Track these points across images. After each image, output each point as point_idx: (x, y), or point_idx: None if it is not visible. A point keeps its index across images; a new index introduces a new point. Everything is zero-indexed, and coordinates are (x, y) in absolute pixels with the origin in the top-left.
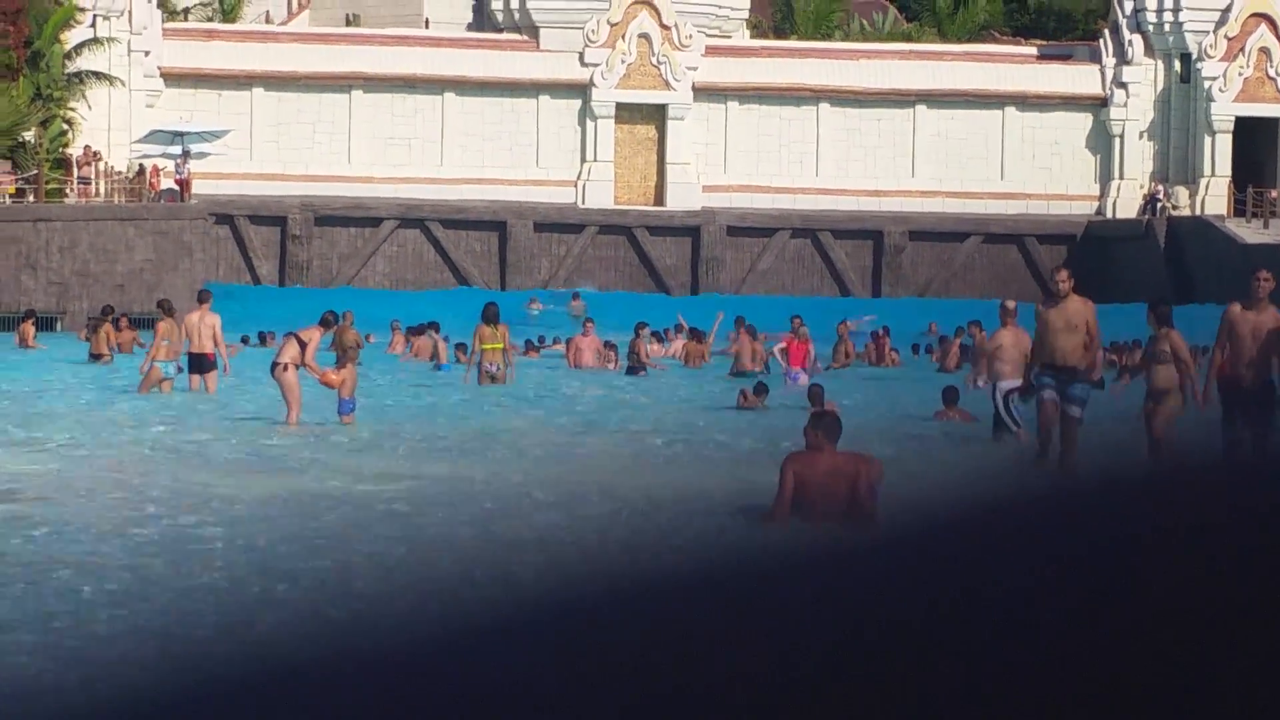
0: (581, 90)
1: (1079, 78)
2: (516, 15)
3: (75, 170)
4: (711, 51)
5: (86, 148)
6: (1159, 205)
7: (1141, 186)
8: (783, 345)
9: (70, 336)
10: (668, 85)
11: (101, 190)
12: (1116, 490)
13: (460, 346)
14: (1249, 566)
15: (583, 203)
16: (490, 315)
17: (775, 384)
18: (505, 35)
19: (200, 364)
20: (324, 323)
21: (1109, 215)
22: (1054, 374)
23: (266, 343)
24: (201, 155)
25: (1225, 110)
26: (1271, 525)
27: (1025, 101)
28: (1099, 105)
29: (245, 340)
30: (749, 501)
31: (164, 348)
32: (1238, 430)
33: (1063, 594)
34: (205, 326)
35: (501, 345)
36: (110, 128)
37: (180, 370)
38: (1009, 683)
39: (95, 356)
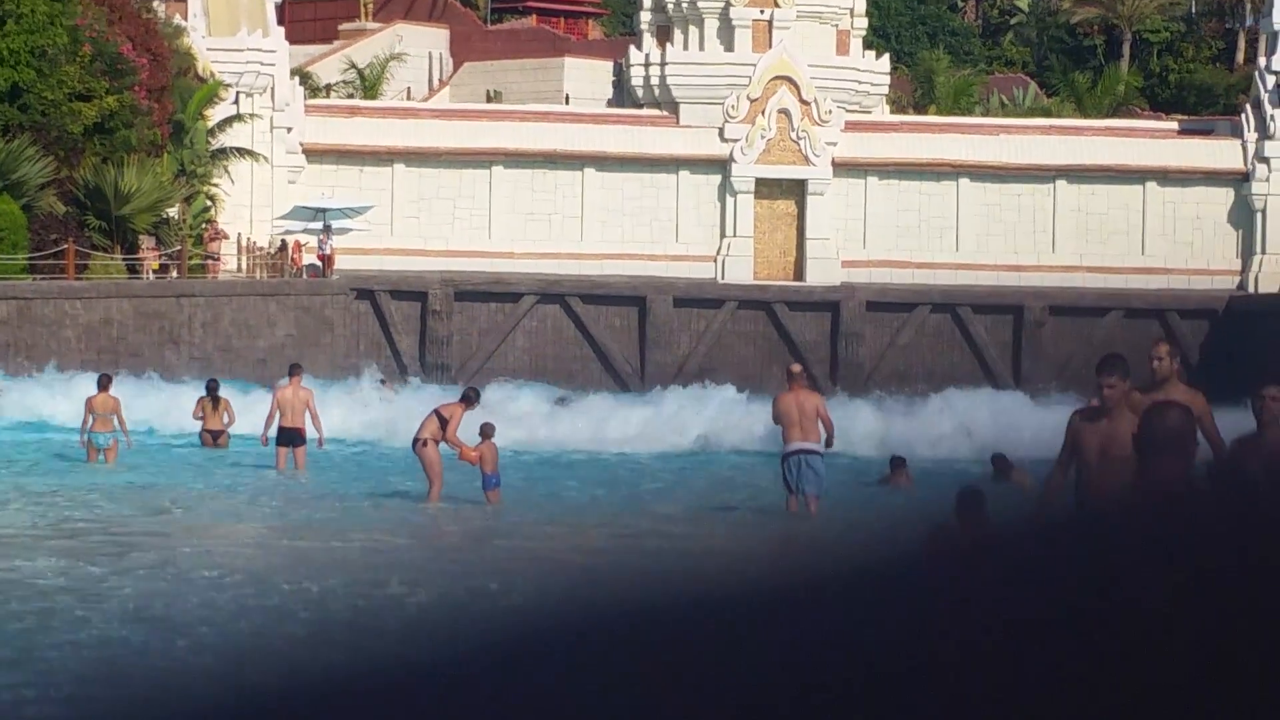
0: (721, 165)
1: (1220, 152)
2: (656, 91)
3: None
4: (851, 127)
5: (212, 223)
6: None
7: None
8: None
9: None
10: (807, 160)
11: (242, 266)
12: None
13: None
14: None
15: (722, 278)
16: None
17: None
18: (645, 111)
19: (291, 438)
20: (466, 399)
21: (1251, 290)
22: None
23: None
24: (343, 231)
25: None
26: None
27: (1166, 176)
28: (1241, 180)
29: None
30: None
31: (96, 420)
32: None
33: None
34: (299, 400)
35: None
36: (253, 204)
37: (117, 441)
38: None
39: (212, 434)
